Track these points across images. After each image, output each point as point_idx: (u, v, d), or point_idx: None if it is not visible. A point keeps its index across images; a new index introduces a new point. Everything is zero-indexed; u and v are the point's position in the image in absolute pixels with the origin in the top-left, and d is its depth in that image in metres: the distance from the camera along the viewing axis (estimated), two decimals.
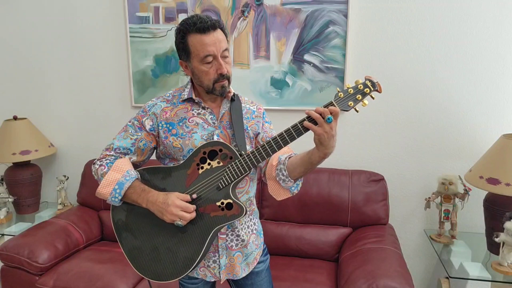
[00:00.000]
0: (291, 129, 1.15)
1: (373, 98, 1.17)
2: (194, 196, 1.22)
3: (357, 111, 1.16)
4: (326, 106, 1.12)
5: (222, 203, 1.22)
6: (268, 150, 1.18)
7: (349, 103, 1.13)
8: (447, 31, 2.13)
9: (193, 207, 1.20)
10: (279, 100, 2.38)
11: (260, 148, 1.18)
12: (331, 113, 1.09)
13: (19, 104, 2.79)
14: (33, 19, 2.65)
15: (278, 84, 2.36)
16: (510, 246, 1.78)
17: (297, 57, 2.31)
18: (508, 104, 2.13)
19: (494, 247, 1.94)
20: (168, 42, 2.45)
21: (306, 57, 2.29)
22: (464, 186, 2.05)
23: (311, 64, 2.30)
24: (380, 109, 2.27)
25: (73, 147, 2.78)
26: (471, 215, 2.17)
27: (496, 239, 1.80)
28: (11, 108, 2.76)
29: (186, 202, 1.20)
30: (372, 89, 1.14)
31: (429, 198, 2.16)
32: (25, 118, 2.66)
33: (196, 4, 2.38)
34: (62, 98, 2.72)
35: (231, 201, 1.22)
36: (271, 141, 1.17)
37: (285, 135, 1.16)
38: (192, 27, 1.19)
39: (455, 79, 2.17)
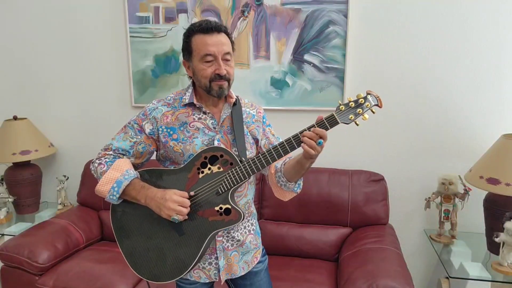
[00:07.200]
0: (292, 139, 1.18)
1: (373, 112, 1.20)
2: (192, 193, 1.24)
3: (357, 125, 1.19)
4: (327, 119, 1.15)
5: (221, 208, 1.24)
6: (268, 158, 1.21)
7: (350, 116, 1.16)
8: (447, 31, 2.13)
9: (189, 202, 1.22)
10: (279, 100, 2.38)
11: (261, 156, 1.21)
12: (321, 137, 1.13)
13: (19, 104, 2.79)
14: (32, 19, 2.65)
15: (278, 84, 2.36)
16: (510, 246, 1.78)
17: (297, 57, 2.31)
18: (508, 104, 2.13)
19: (494, 247, 1.94)
20: (168, 42, 2.45)
21: (306, 57, 2.29)
22: (464, 186, 2.05)
23: (311, 64, 2.30)
24: (380, 109, 2.25)
25: (73, 147, 2.78)
26: (471, 215, 2.17)
27: (496, 239, 1.80)
28: (11, 108, 2.76)
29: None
30: (372, 103, 1.17)
31: (429, 198, 2.16)
32: (25, 118, 2.66)
33: (196, 4, 2.37)
34: (62, 98, 2.72)
35: (229, 207, 1.23)
36: (272, 150, 1.20)
37: (286, 145, 1.19)
38: (197, 28, 1.23)
39: (455, 79, 2.17)
